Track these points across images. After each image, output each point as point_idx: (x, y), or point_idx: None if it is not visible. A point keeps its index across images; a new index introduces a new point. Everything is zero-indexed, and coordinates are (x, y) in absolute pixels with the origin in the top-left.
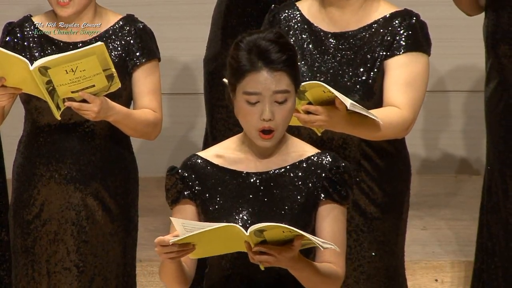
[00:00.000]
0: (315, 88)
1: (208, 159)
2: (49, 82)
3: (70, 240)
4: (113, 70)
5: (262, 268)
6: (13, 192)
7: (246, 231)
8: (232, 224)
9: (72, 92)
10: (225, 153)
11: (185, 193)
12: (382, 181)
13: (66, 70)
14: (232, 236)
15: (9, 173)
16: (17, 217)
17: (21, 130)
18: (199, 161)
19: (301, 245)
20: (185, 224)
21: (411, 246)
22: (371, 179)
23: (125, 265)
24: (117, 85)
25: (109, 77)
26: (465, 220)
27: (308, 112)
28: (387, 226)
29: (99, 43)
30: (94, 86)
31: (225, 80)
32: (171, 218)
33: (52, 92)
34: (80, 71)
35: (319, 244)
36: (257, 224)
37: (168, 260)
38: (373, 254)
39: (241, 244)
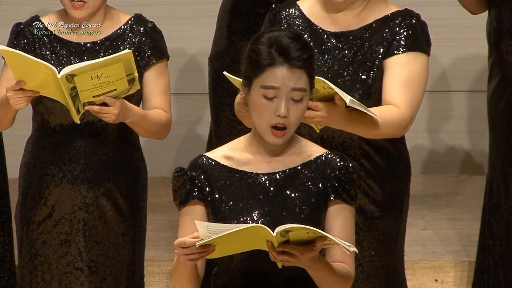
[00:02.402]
0: (316, 83)
1: (216, 160)
2: (73, 88)
3: (82, 240)
4: (136, 74)
5: (280, 266)
6: (20, 193)
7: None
8: (259, 224)
9: (94, 96)
10: (233, 154)
11: (194, 193)
12: (382, 180)
13: (91, 77)
14: (255, 236)
15: (10, 173)
16: (26, 218)
17: (23, 130)
18: (207, 161)
19: (322, 246)
20: (209, 226)
21: (411, 246)
22: (371, 178)
23: (135, 265)
24: (136, 87)
25: (131, 81)
26: (466, 220)
27: (307, 108)
28: (387, 225)
29: (126, 50)
30: (115, 90)
31: (225, 73)
32: (195, 221)
33: (74, 97)
34: (105, 77)
35: (345, 248)
36: (284, 225)
37: (188, 262)
38: (373, 253)
39: (261, 243)
